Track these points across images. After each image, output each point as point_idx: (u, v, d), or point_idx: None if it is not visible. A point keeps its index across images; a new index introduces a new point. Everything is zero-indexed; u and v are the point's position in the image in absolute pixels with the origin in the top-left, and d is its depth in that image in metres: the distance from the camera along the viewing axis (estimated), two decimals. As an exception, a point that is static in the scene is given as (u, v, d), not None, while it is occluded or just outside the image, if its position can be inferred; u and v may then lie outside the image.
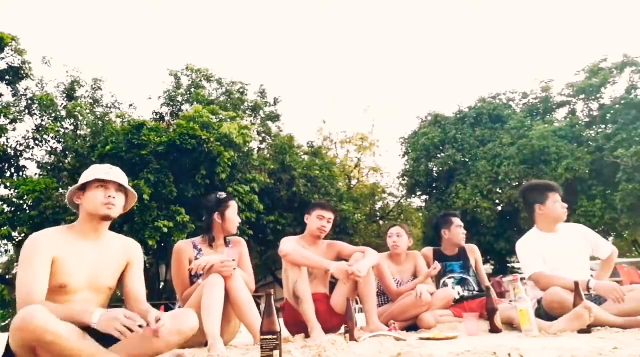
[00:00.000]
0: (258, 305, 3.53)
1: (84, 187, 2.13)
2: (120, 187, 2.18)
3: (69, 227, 2.15)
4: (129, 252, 2.27)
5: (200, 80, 18.76)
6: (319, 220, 3.32)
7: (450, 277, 3.77)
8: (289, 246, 3.16)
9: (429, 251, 3.98)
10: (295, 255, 3.04)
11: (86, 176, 2.15)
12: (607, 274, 3.27)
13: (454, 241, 3.88)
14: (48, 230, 2.08)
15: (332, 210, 3.43)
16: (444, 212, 4.21)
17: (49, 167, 15.80)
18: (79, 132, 16.37)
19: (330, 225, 3.38)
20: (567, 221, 3.28)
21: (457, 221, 3.93)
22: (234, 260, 2.76)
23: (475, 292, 3.68)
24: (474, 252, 3.95)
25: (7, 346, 1.88)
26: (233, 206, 3.06)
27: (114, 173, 2.18)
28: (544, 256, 3.09)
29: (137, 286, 2.23)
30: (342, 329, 3.20)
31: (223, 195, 3.13)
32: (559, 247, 3.10)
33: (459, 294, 3.61)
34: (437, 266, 3.54)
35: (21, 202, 13.94)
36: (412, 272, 3.82)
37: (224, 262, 2.67)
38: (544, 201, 3.19)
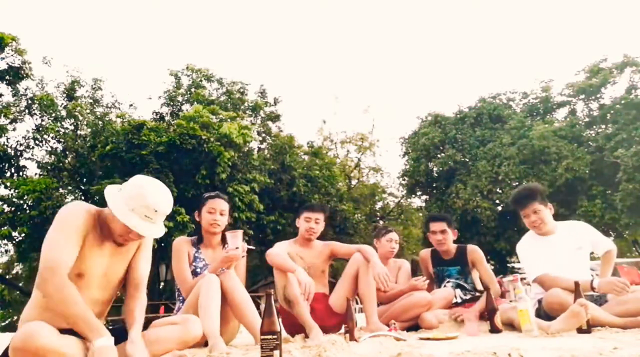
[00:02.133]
0: (258, 305, 3.53)
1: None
2: None
3: (100, 211, 2.00)
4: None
5: (201, 80, 18.78)
6: (306, 222, 3.33)
7: (448, 281, 3.76)
8: (274, 248, 3.19)
9: (426, 253, 3.94)
10: (271, 256, 3.07)
11: (131, 207, 1.88)
12: (608, 271, 3.24)
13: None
14: (86, 206, 1.96)
15: (319, 210, 3.40)
16: (429, 215, 4.14)
17: (49, 167, 15.80)
18: (79, 132, 16.38)
19: (320, 225, 3.36)
20: (568, 219, 3.27)
21: (432, 226, 3.80)
22: (237, 248, 2.73)
23: (474, 295, 3.66)
24: (474, 255, 3.75)
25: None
26: (210, 203, 3.00)
27: (156, 221, 1.95)
28: (545, 257, 3.08)
29: (140, 272, 2.10)
30: (342, 329, 3.20)
31: (206, 194, 3.13)
32: (558, 248, 3.10)
33: (460, 297, 3.60)
34: (424, 284, 3.49)
35: (21, 202, 13.95)
36: (394, 276, 3.85)
37: (228, 251, 2.71)
38: (520, 215, 3.22)
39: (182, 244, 2.94)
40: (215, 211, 2.98)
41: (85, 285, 1.92)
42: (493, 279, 3.70)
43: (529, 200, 3.13)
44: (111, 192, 1.94)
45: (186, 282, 2.84)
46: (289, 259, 3.06)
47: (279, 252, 3.11)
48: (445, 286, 3.72)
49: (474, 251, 3.77)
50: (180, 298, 2.95)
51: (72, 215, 1.88)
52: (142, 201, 1.89)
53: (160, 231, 1.97)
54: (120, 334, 1.86)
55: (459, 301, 3.60)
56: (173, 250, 2.93)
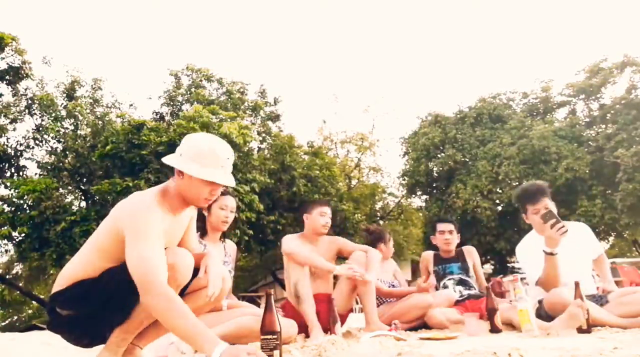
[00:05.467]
0: (258, 305, 3.54)
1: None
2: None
3: (162, 195, 1.91)
4: (191, 210, 2.09)
5: (201, 80, 18.75)
6: (321, 216, 3.31)
7: (450, 279, 3.78)
8: (293, 244, 3.15)
9: (429, 255, 4.01)
10: (300, 255, 3.04)
11: (204, 163, 1.83)
12: (607, 272, 3.23)
13: (441, 248, 3.90)
14: (149, 198, 1.86)
15: (328, 204, 3.49)
16: (437, 217, 4.22)
17: (49, 167, 15.78)
18: (79, 132, 16.35)
19: (330, 219, 3.39)
20: (568, 220, 3.26)
21: (440, 226, 3.91)
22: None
23: (477, 292, 3.68)
24: (472, 254, 3.92)
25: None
26: (221, 200, 2.98)
27: (229, 169, 1.95)
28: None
29: (193, 246, 2.14)
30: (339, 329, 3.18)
31: None
32: (563, 245, 3.02)
33: (460, 293, 3.61)
34: (432, 282, 3.53)
35: (21, 202, 13.93)
36: (392, 272, 3.97)
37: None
38: (526, 212, 3.12)
39: None
40: (227, 208, 2.99)
41: None
42: (482, 282, 3.75)
43: (542, 195, 3.03)
44: (177, 160, 1.89)
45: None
46: (321, 258, 3.08)
47: (306, 251, 3.10)
48: (446, 285, 3.74)
49: (471, 251, 3.95)
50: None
51: (149, 218, 1.78)
52: (214, 154, 1.87)
53: (233, 179, 1.95)
54: None
55: (460, 297, 3.60)
56: None
